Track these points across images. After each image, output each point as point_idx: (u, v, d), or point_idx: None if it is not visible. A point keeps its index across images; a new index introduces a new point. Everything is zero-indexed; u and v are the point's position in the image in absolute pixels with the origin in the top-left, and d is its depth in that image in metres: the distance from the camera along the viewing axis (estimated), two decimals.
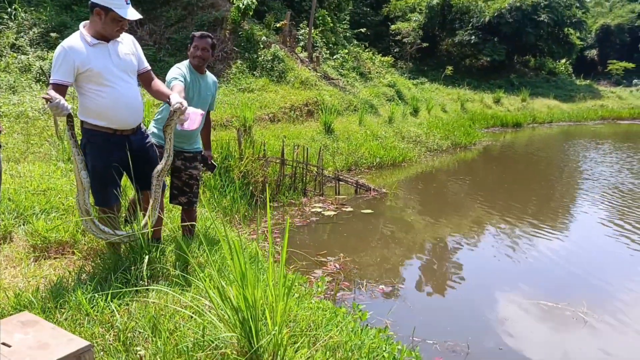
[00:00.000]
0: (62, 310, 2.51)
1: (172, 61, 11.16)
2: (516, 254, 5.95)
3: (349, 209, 7.42)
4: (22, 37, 11.34)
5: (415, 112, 16.47)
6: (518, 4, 27.91)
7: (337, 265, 5.18)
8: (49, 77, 2.94)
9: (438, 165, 11.91)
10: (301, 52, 16.22)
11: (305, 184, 8.12)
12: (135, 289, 2.63)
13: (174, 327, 2.42)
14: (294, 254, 5.32)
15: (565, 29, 30.58)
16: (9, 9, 11.65)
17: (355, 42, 21.71)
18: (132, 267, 2.94)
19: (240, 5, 13.72)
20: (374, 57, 21.23)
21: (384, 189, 8.57)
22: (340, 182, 8.45)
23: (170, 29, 14.19)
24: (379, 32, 28.62)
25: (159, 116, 3.85)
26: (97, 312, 2.49)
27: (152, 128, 3.86)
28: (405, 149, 12.01)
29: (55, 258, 3.46)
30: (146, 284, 2.77)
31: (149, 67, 3.30)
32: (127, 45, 3.13)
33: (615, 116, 26.89)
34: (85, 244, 3.60)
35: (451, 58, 30.70)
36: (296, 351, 2.32)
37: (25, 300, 2.60)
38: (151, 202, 3.17)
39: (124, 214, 3.61)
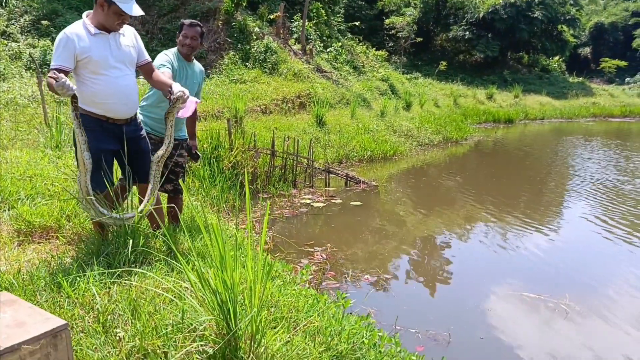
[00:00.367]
0: (43, 292, 2.52)
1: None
2: (502, 247, 6.01)
3: (338, 201, 7.45)
4: (13, 24, 11.25)
5: (408, 106, 16.50)
6: (512, 1, 27.95)
7: (324, 255, 5.21)
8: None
9: (429, 160, 11.96)
10: (294, 44, 16.19)
11: (295, 175, 8.14)
12: (117, 270, 2.64)
13: (153, 310, 2.44)
14: (281, 244, 5.35)
15: (559, 26, 30.69)
16: None
17: (349, 35, 21.69)
18: (116, 252, 2.95)
19: None
20: (367, 51, 21.22)
21: (374, 182, 8.60)
22: (331, 175, 8.47)
23: (162, 19, 14.13)
24: (373, 26, 28.60)
25: (145, 102, 3.84)
26: (78, 294, 2.50)
27: (138, 115, 3.86)
28: (396, 143, 12.04)
29: (39, 243, 3.46)
30: (129, 268, 2.78)
31: (149, 59, 3.35)
32: (128, 37, 3.18)
33: (606, 114, 27.07)
34: (69, 229, 3.60)
35: (445, 53, 30.75)
36: (275, 334, 2.34)
37: (6, 282, 2.60)
38: (150, 187, 3.23)
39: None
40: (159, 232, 3.38)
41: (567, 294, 4.61)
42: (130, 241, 2.88)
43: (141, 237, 3.01)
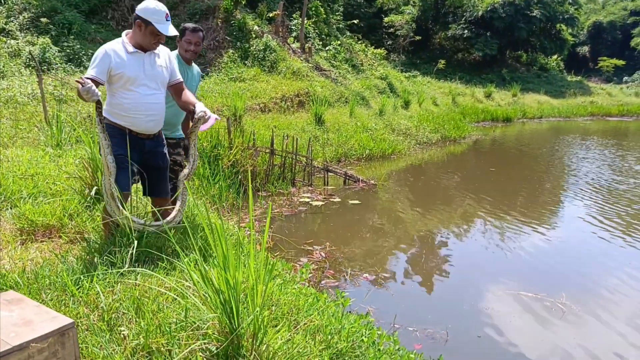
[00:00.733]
0: (48, 290, 2.56)
1: None
2: (499, 246, 6.06)
3: (337, 199, 7.49)
4: (12, 21, 11.25)
5: (407, 105, 16.54)
6: None
7: (323, 254, 5.25)
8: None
9: (427, 158, 12.01)
10: (293, 42, 16.20)
11: (294, 174, 8.18)
12: (120, 270, 2.68)
13: (157, 308, 2.48)
14: (280, 242, 5.39)
15: (558, 25, 30.74)
16: None
17: (348, 33, 21.70)
18: (118, 251, 2.99)
19: None
20: (366, 49, 21.24)
21: (372, 180, 8.65)
22: (329, 173, 8.51)
23: None
24: (372, 24, 28.60)
25: None
26: (82, 293, 2.54)
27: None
28: (394, 142, 12.08)
29: (42, 241, 3.50)
30: (132, 267, 2.82)
31: (181, 80, 3.49)
32: (163, 58, 3.36)
33: (604, 113, 27.14)
34: (72, 228, 3.64)
35: (444, 52, 30.78)
36: (276, 333, 2.39)
37: (11, 280, 2.64)
38: (179, 203, 3.39)
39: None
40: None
41: (563, 293, 4.66)
42: (135, 242, 2.92)
43: (144, 237, 3.05)
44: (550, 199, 8.80)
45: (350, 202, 7.44)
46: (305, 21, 16.52)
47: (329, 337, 2.64)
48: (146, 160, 3.34)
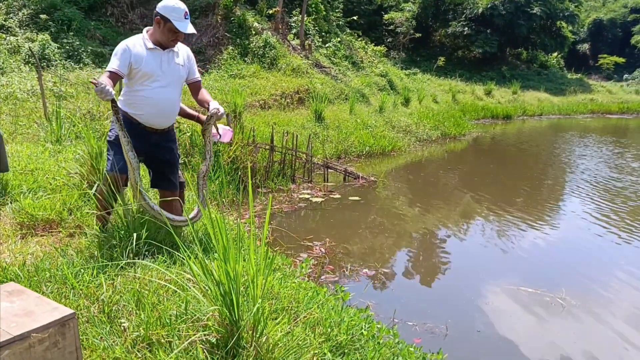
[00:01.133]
0: (48, 283, 2.57)
1: None
2: (499, 242, 6.07)
3: (337, 196, 7.50)
4: (12, 18, 11.23)
5: (407, 102, 16.53)
6: None
7: (323, 250, 5.26)
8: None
9: (427, 155, 12.01)
10: (293, 39, 16.19)
11: (294, 170, 8.18)
12: (120, 262, 2.69)
13: (157, 300, 2.49)
14: (280, 238, 5.40)
15: (558, 22, 30.66)
16: None
17: (348, 30, 21.66)
18: (119, 244, 2.99)
19: None
20: (366, 46, 21.22)
21: (372, 177, 8.65)
22: (329, 170, 8.52)
23: None
24: (372, 21, 28.54)
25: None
26: (83, 285, 2.55)
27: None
28: (394, 139, 12.08)
29: (42, 235, 3.51)
30: (132, 260, 2.83)
31: (199, 78, 3.55)
32: (181, 56, 3.39)
33: (604, 110, 27.09)
34: (71, 222, 3.65)
35: (444, 49, 30.73)
36: (276, 325, 2.39)
37: (12, 273, 2.65)
38: (200, 199, 3.45)
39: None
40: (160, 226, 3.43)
41: (563, 289, 4.67)
42: (135, 235, 2.93)
43: (144, 230, 3.06)
44: (550, 196, 8.81)
45: (350, 198, 7.45)
46: (305, 18, 16.50)
47: (329, 329, 2.65)
48: (152, 152, 3.38)
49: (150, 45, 3.22)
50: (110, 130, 3.35)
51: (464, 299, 4.51)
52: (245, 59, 13.44)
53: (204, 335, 2.23)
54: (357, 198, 7.47)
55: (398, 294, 4.56)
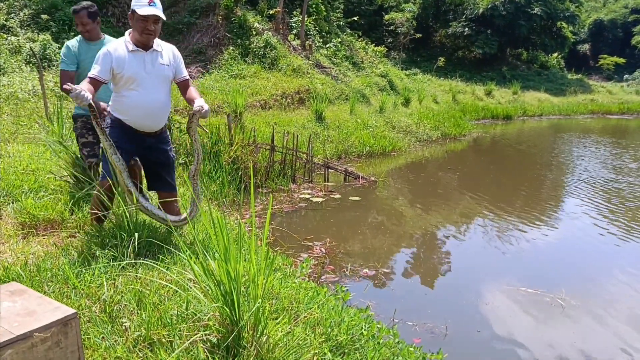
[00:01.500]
0: (50, 283, 2.58)
1: None
2: (499, 243, 6.08)
3: (337, 196, 7.51)
4: (13, 18, 11.24)
5: (407, 102, 16.54)
6: None
7: (323, 250, 5.27)
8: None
9: (427, 156, 12.02)
10: (294, 39, 16.20)
11: (295, 170, 8.19)
12: (122, 262, 2.70)
13: (158, 300, 2.50)
14: (281, 238, 5.41)
15: (558, 23, 30.66)
16: None
17: (349, 31, 21.67)
18: (120, 244, 3.00)
19: None
20: (367, 47, 21.23)
21: (372, 177, 8.66)
22: (330, 170, 8.53)
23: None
24: (372, 22, 28.54)
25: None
26: (84, 285, 2.56)
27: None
28: (395, 139, 12.09)
29: (43, 235, 3.51)
30: (133, 260, 2.84)
31: (187, 77, 3.50)
32: (166, 56, 3.33)
33: (604, 111, 27.09)
34: (73, 222, 3.66)
35: (444, 49, 30.75)
36: (277, 325, 2.41)
37: (14, 273, 2.66)
38: (192, 198, 3.43)
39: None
40: (161, 226, 3.45)
41: (562, 289, 4.68)
42: (136, 234, 2.94)
43: (145, 230, 3.07)
44: (550, 196, 8.82)
45: (351, 198, 7.46)
46: (306, 18, 16.51)
47: (329, 329, 2.66)
48: (146, 154, 3.36)
49: (132, 47, 3.17)
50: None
51: (464, 299, 4.52)
52: (246, 59, 13.45)
53: (205, 335, 2.24)
54: (357, 198, 7.48)
55: (398, 294, 4.57)
